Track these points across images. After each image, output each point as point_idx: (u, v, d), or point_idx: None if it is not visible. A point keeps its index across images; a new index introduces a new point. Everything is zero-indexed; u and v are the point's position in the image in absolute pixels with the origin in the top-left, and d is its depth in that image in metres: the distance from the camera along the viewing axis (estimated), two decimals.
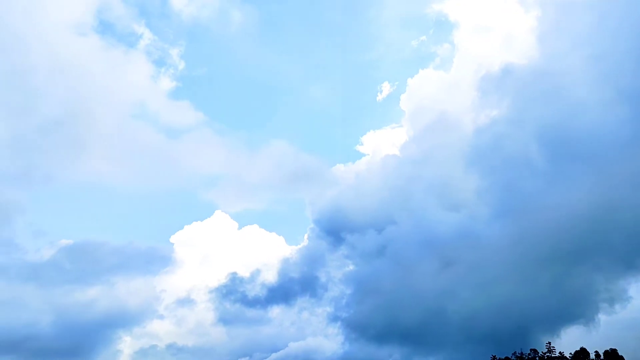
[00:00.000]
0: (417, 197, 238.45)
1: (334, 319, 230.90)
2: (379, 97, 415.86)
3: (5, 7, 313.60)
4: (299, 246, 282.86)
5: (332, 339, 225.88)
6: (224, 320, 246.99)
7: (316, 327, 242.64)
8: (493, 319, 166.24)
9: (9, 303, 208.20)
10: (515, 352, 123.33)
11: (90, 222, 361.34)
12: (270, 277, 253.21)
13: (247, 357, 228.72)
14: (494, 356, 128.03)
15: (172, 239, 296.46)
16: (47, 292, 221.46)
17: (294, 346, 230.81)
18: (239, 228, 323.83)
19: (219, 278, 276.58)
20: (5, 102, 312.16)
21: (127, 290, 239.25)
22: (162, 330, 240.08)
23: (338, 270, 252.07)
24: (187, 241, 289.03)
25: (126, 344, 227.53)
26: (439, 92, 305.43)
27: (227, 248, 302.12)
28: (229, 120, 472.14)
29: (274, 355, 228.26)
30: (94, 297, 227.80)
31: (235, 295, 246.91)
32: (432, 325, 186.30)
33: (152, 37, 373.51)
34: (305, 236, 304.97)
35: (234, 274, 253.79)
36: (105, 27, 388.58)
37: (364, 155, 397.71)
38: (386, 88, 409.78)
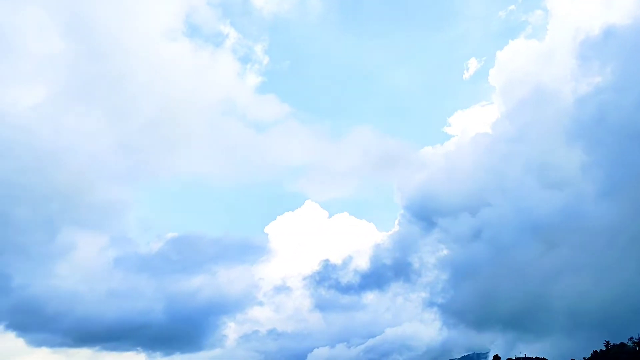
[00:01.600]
0: (513, 176, 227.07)
1: (429, 304, 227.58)
2: (466, 75, 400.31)
3: (104, 18, 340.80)
4: (390, 232, 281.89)
5: (429, 325, 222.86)
6: (320, 306, 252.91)
7: (412, 313, 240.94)
8: (604, 303, 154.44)
9: (126, 293, 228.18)
10: (631, 338, 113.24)
11: (190, 215, 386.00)
12: (362, 263, 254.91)
13: (345, 343, 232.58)
14: (608, 342, 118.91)
15: (266, 229, 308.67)
16: (158, 282, 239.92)
17: (390, 332, 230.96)
18: (329, 216, 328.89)
19: (311, 266, 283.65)
20: (109, 107, 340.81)
21: (227, 279, 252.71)
22: (262, 316, 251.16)
23: (431, 255, 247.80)
24: (280, 231, 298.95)
25: (231, 329, 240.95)
26: (532, 63, 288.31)
27: (319, 236, 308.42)
28: (314, 109, 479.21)
29: (370, 340, 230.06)
30: (198, 286, 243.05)
31: (329, 282, 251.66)
32: (536, 311, 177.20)
33: (237, 36, 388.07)
34: (396, 222, 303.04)
35: (326, 261, 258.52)
36: (193, 31, 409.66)
37: (452, 136, 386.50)
38: (473, 64, 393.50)
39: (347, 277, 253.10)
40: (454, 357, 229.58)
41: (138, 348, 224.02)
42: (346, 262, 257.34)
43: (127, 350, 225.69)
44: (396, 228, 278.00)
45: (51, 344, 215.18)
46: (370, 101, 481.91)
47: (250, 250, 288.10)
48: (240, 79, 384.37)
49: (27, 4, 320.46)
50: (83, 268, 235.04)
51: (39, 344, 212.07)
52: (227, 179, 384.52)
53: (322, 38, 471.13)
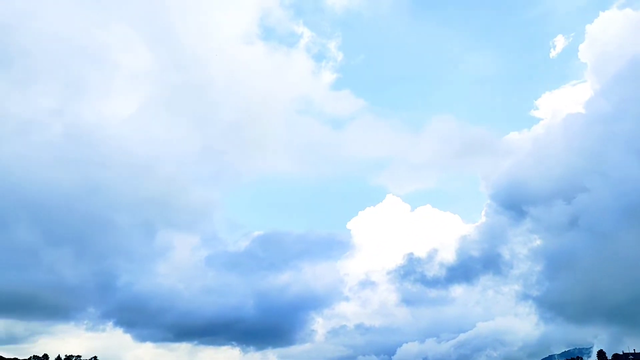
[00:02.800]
0: (611, 158, 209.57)
1: (523, 297, 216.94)
2: (553, 54, 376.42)
3: (186, 30, 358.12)
4: (477, 223, 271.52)
5: (524, 319, 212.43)
6: (407, 300, 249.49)
7: (504, 307, 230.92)
8: None
9: (219, 290, 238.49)
10: None
11: (274, 213, 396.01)
12: (448, 256, 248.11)
13: (435, 338, 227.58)
14: None
15: (349, 225, 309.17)
16: (247, 279, 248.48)
17: (482, 326, 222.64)
18: (412, 210, 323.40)
19: (395, 260, 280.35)
20: (193, 114, 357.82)
21: (313, 275, 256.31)
22: (349, 311, 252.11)
23: (523, 246, 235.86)
24: (362, 226, 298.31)
25: (319, 324, 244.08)
26: (627, 35, 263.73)
27: (402, 230, 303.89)
28: (390, 102, 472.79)
29: (461, 335, 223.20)
30: (286, 282, 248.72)
31: (414, 276, 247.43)
32: None
33: (310, 34, 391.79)
34: (482, 213, 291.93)
35: (411, 254, 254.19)
36: (268, 33, 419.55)
37: (540, 119, 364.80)
38: (560, 42, 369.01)
39: (432, 271, 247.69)
40: (553, 353, 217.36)
41: (233, 342, 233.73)
42: (431, 255, 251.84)
43: (223, 344, 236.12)
44: (483, 219, 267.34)
45: (154, 339, 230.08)
46: (449, 89, 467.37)
47: (333, 246, 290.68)
48: (315, 77, 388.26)
49: (116, 22, 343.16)
50: (179, 267, 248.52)
51: (143, 339, 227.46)
52: (307, 176, 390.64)
53: (395, 29, 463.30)
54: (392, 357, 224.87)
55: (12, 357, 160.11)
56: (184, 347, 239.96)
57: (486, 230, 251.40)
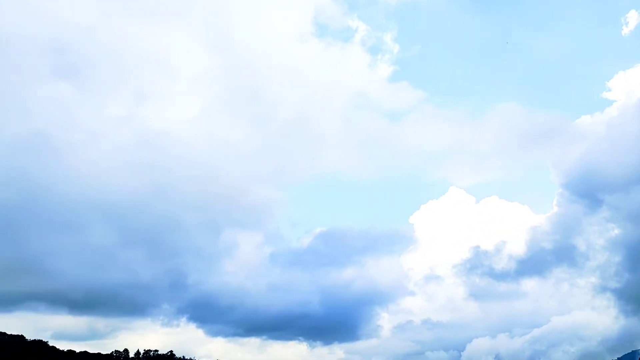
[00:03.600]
0: None
1: (601, 290, 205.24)
2: (625, 31, 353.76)
3: (242, 32, 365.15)
4: (548, 214, 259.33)
5: (603, 313, 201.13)
6: (475, 295, 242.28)
7: (581, 300, 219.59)
8: None
9: (284, 286, 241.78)
10: None
11: (335, 209, 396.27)
12: (517, 248, 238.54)
13: (507, 333, 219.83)
14: None
15: (411, 219, 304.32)
16: (311, 275, 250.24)
17: (557, 321, 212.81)
18: (477, 202, 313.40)
19: (461, 253, 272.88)
20: (252, 114, 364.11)
21: (377, 270, 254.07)
22: (415, 306, 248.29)
23: (599, 236, 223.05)
24: (425, 220, 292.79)
25: (385, 319, 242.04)
26: None
27: (467, 223, 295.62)
28: (450, 92, 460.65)
29: (536, 330, 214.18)
30: (350, 278, 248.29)
31: (482, 269, 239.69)
32: None
33: (365, 28, 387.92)
34: (554, 202, 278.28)
35: (477, 247, 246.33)
36: (322, 30, 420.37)
37: (613, 101, 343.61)
38: (633, 17, 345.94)
39: (501, 264, 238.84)
40: (638, 348, 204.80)
41: (300, 337, 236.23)
42: (499, 247, 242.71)
43: (290, 339, 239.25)
44: (554, 209, 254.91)
45: (225, 334, 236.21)
46: (512, 75, 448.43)
47: (396, 240, 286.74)
48: (371, 71, 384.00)
49: (174, 28, 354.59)
50: (245, 265, 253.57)
51: (215, 334, 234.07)
52: (367, 171, 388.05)
53: (452, 16, 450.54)
54: (461, 352, 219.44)
55: (95, 352, 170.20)
56: (253, 341, 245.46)
57: (558, 221, 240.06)
